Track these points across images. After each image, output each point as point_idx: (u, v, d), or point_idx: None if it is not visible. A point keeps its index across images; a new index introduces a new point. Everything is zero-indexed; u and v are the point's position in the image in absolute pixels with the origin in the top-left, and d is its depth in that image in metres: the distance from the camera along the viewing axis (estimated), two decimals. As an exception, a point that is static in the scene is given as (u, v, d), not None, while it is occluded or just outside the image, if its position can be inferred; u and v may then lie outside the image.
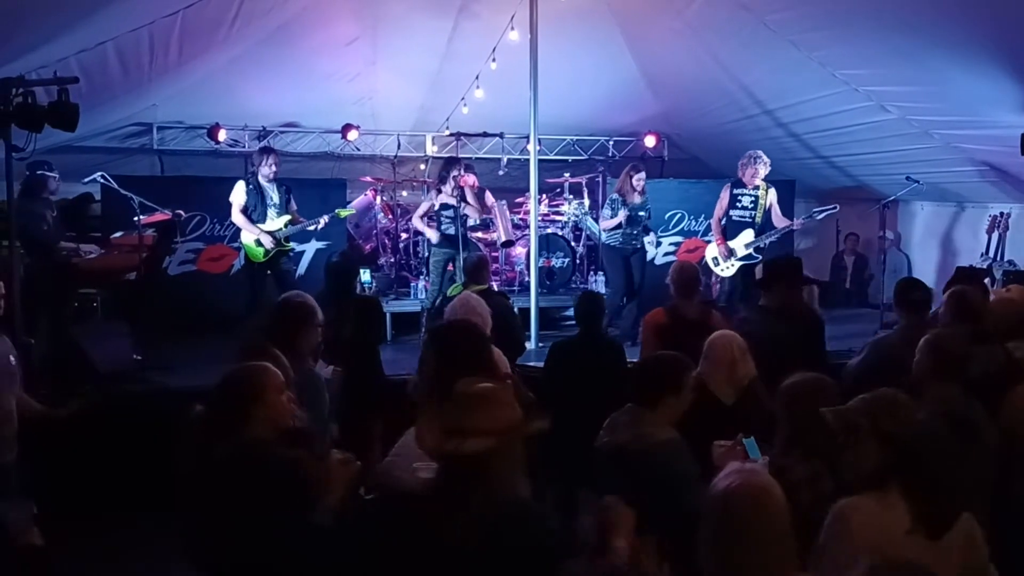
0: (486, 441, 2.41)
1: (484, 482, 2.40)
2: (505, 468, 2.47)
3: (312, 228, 8.38)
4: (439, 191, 8.65)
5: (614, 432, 3.56)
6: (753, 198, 8.27)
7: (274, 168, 8.02)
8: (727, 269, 8.38)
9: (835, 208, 8.69)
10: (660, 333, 5.27)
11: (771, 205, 8.35)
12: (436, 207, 8.65)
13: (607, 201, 8.87)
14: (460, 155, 11.07)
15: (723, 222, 8.44)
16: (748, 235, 8.25)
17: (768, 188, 8.33)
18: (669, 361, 3.73)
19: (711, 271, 8.58)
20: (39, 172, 7.27)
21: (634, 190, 8.56)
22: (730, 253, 8.27)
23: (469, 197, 8.68)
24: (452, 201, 8.44)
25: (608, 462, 3.49)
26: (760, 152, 8.33)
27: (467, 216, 8.58)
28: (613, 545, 2.53)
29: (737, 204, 8.33)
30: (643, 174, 8.63)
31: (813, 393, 3.26)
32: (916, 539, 2.56)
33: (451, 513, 2.36)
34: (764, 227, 8.34)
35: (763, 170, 8.24)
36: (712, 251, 8.53)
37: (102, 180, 8.02)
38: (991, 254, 9.03)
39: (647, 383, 3.61)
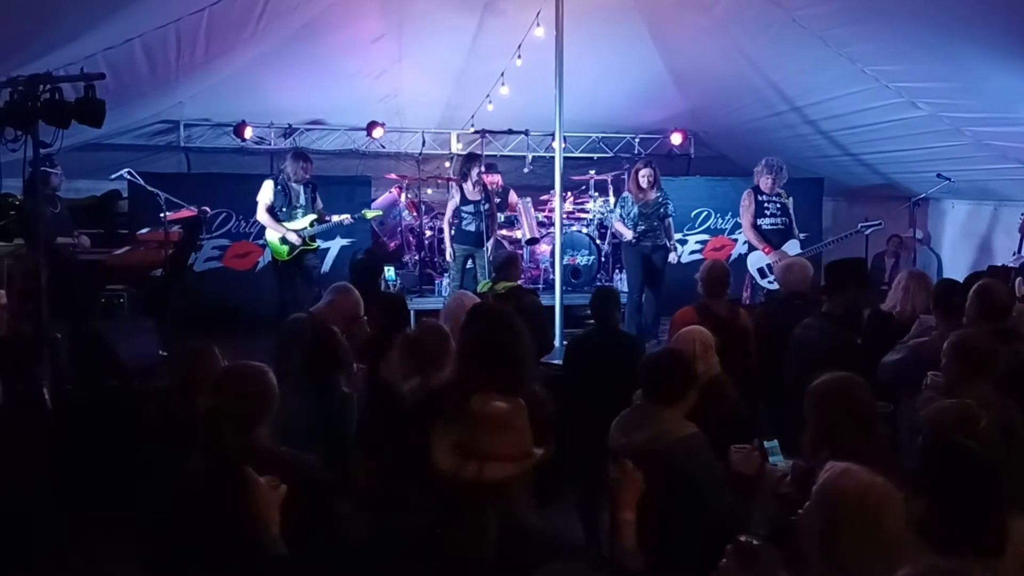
0: (507, 468, 2.25)
1: (500, 508, 2.25)
2: (519, 494, 2.32)
3: (337, 224, 8.37)
4: (460, 188, 8.64)
5: (628, 433, 3.45)
6: (780, 205, 8.03)
7: (306, 174, 8.04)
8: (775, 282, 8.04)
9: (880, 224, 8.45)
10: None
11: (792, 213, 8.15)
12: (458, 202, 8.64)
13: (619, 199, 8.75)
14: (485, 152, 11.10)
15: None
16: (794, 245, 7.95)
17: (788, 195, 8.12)
18: (685, 355, 3.71)
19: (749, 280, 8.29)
20: (40, 168, 7.31)
21: (641, 188, 8.23)
22: None
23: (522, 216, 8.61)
24: (476, 197, 8.46)
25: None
26: (779, 159, 8.10)
27: (490, 213, 8.58)
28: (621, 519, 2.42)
29: (765, 212, 8.01)
30: (649, 169, 8.26)
31: (841, 393, 3.19)
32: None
33: (468, 540, 2.22)
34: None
35: (783, 178, 8.05)
36: (759, 260, 8.09)
37: (129, 177, 8.10)
38: (1023, 253, 8.88)
39: (670, 379, 3.49)
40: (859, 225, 8.46)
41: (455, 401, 2.48)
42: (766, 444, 3.42)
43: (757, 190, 8.07)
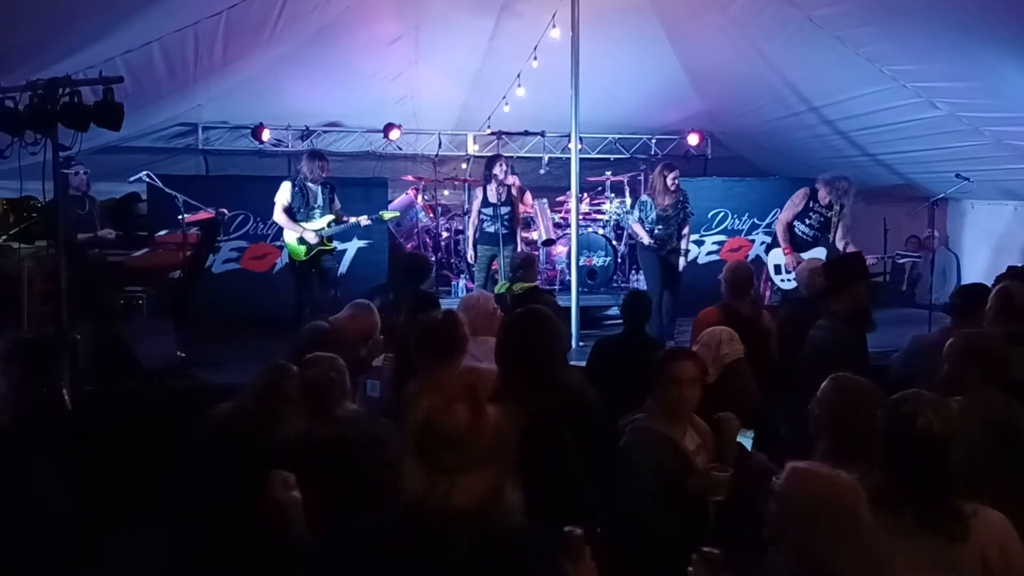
0: (479, 478, 2.02)
1: (476, 511, 2.03)
2: (495, 490, 2.07)
3: (354, 224, 8.37)
4: (484, 189, 8.60)
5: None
6: (825, 218, 7.96)
7: (323, 173, 8.06)
8: (788, 281, 7.98)
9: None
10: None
11: (838, 226, 8.02)
12: (479, 204, 8.64)
13: (636, 203, 8.70)
14: (502, 154, 11.09)
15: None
16: (820, 254, 7.78)
17: (842, 210, 7.95)
18: (664, 353, 3.89)
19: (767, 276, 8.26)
20: (62, 170, 7.36)
21: (667, 190, 8.12)
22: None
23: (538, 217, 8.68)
24: (496, 200, 8.46)
25: None
26: (848, 181, 7.90)
27: (511, 215, 8.57)
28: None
29: (807, 219, 7.96)
30: (677, 172, 8.22)
31: (853, 398, 3.15)
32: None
33: (445, 540, 2.01)
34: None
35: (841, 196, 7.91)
36: (777, 258, 8.08)
37: (148, 179, 8.14)
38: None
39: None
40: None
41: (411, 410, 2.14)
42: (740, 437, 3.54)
43: (814, 195, 8.01)
